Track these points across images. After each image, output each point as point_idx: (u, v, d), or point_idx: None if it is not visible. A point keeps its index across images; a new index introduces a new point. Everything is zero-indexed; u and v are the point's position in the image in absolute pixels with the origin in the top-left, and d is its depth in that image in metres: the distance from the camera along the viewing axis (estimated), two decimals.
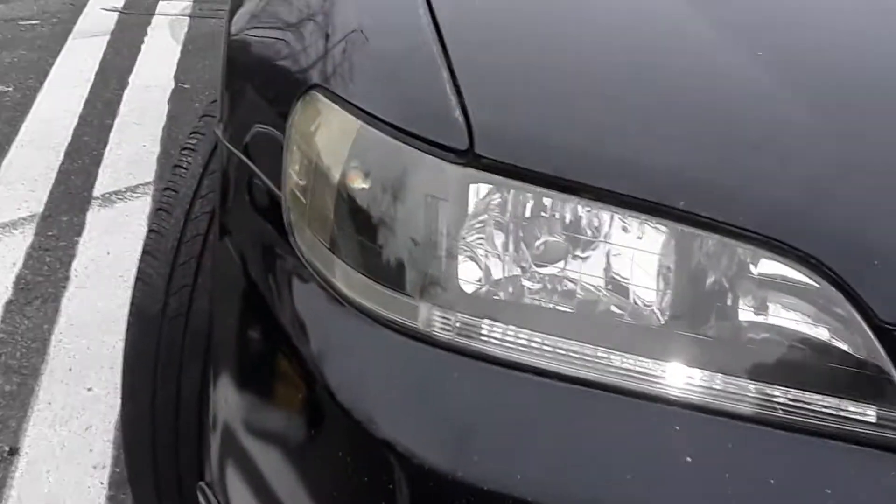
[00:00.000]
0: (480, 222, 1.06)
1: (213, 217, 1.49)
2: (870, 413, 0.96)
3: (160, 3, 5.75)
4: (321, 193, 1.15)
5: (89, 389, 2.36)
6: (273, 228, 1.24)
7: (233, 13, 1.52)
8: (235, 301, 1.33)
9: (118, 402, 2.14)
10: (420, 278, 1.07)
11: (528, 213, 1.05)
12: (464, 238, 1.06)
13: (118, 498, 2.02)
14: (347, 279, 1.12)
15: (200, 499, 1.42)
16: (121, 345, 1.52)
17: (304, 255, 1.17)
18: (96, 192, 3.36)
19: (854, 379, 0.97)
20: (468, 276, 1.06)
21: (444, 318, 1.05)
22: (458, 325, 1.05)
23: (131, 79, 4.49)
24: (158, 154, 3.63)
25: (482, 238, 1.06)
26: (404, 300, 1.07)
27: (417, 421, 1.04)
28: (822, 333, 0.99)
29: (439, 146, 1.06)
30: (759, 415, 0.98)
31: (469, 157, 1.05)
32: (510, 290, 1.06)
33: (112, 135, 3.85)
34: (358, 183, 1.12)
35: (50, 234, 3.06)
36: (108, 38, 5.06)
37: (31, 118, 3.95)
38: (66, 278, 2.82)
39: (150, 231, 1.56)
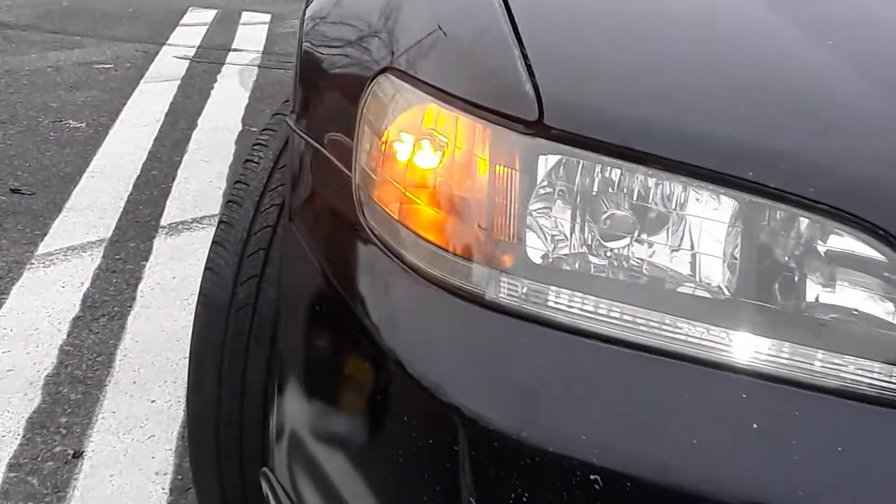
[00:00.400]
0: (549, 193, 1.07)
1: (282, 209, 1.52)
2: None
3: (230, 53, 5.88)
4: (391, 169, 1.18)
5: (153, 401, 2.39)
6: (342, 208, 1.26)
7: (306, 7, 1.57)
8: (302, 282, 1.35)
9: (181, 414, 2.18)
10: (488, 247, 1.08)
11: (595, 185, 1.06)
12: (532, 208, 1.07)
13: (179, 503, 2.04)
14: (416, 249, 1.13)
15: (263, 484, 1.44)
16: (184, 362, 1.55)
17: (373, 231, 1.19)
18: (163, 222, 3.42)
19: None
20: (536, 245, 1.07)
21: (511, 285, 1.07)
22: (524, 292, 1.06)
23: (200, 120, 4.58)
24: (225, 189, 3.69)
25: (550, 209, 1.07)
26: (472, 268, 1.09)
27: (484, 385, 1.05)
28: (888, 306, 0.99)
29: (510, 118, 1.08)
30: (826, 384, 0.97)
31: (539, 129, 1.06)
32: (577, 261, 1.07)
33: (180, 170, 3.93)
34: (427, 155, 1.14)
35: (118, 257, 3.12)
36: (178, 83, 5.19)
37: (101, 152, 4.04)
38: (133, 298, 2.87)
39: (220, 222, 1.59)
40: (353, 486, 1.22)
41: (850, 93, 1.09)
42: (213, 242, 1.59)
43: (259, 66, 5.66)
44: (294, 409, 1.36)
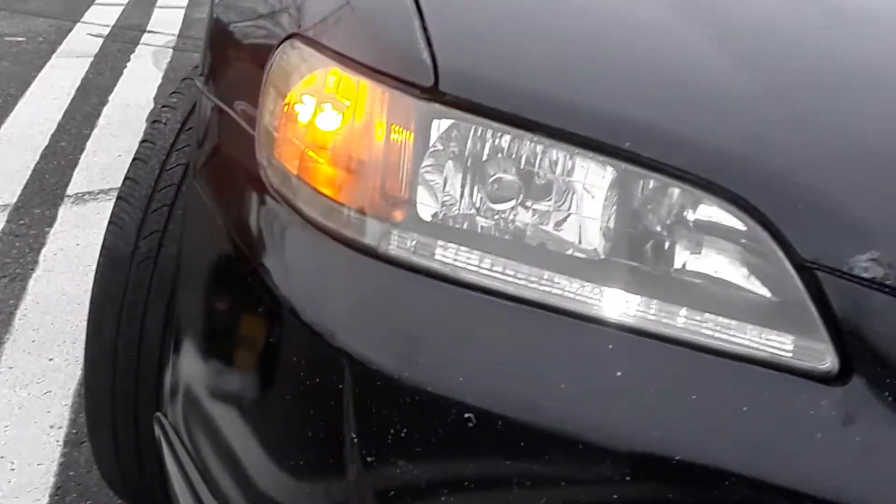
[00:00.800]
0: (441, 155, 1.14)
1: (187, 168, 1.56)
2: (788, 342, 1.04)
3: (145, 34, 5.86)
4: (292, 128, 1.23)
5: (51, 359, 2.41)
6: (245, 166, 1.32)
7: None
8: (203, 237, 1.40)
9: (79, 372, 2.21)
10: (381, 203, 1.15)
11: (486, 150, 1.13)
12: (424, 169, 1.14)
13: (72, 455, 2.07)
14: (314, 204, 1.19)
15: (156, 429, 1.48)
16: (85, 325, 1.59)
17: (273, 186, 1.25)
18: (70, 191, 3.43)
19: (776, 311, 1.05)
20: (427, 203, 1.14)
21: (400, 238, 1.13)
22: (413, 244, 1.13)
23: (111, 97, 4.57)
24: None
25: (441, 170, 1.14)
26: (366, 221, 1.15)
27: (371, 330, 1.11)
28: (749, 269, 1.07)
29: (406, 82, 1.14)
30: (688, 339, 1.05)
31: (434, 94, 1.13)
32: (465, 220, 1.13)
33: (89, 143, 3.92)
34: (327, 117, 1.20)
35: (21, 222, 3.12)
36: (91, 59, 5.16)
37: (10, 122, 4.02)
38: (35, 262, 2.88)
39: (126, 178, 1.63)
40: (244, 430, 1.27)
41: (724, 77, 1.18)
42: (118, 198, 1.63)
43: (174, 49, 5.65)
44: (189, 358, 1.40)
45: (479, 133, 1.13)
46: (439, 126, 1.14)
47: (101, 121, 4.20)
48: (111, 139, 3.99)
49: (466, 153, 1.13)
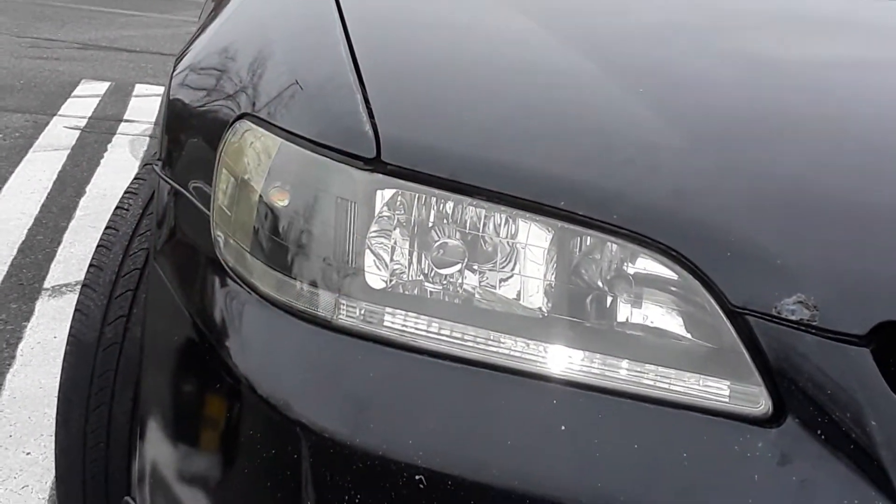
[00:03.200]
0: (387, 224, 1.18)
1: (149, 253, 1.59)
2: (724, 387, 1.07)
3: (122, 124, 5.93)
4: (245, 206, 1.27)
5: (28, 453, 2.42)
6: (201, 246, 1.35)
7: (176, 64, 1.67)
8: (163, 318, 1.43)
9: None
10: (330, 273, 1.18)
11: (430, 216, 1.17)
12: (370, 238, 1.18)
13: None
14: (265, 278, 1.23)
15: None
16: None
17: (228, 264, 1.28)
18: (47, 284, 3.45)
19: (712, 358, 1.09)
20: (375, 272, 1.18)
21: (350, 307, 1.16)
22: (362, 313, 1.16)
23: (88, 188, 4.61)
24: None
25: (387, 239, 1.18)
26: (317, 293, 1.18)
27: (324, 399, 1.14)
28: (684, 318, 1.11)
29: (350, 155, 1.18)
30: (630, 390, 1.08)
31: (376, 165, 1.17)
32: (412, 285, 1.17)
33: (66, 235, 3.96)
34: (277, 192, 1.24)
35: None
36: (68, 152, 5.21)
37: None
38: (13, 357, 2.90)
39: (91, 266, 1.66)
40: None
41: (651, 133, 1.22)
42: (83, 285, 1.66)
43: (150, 136, 5.71)
44: (155, 440, 1.42)
45: (422, 200, 1.17)
46: (383, 195, 1.18)
47: (79, 212, 4.25)
48: (89, 230, 4.02)
49: (412, 221, 1.17)
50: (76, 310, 1.64)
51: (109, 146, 5.41)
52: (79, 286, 3.38)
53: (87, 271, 1.66)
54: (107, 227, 1.71)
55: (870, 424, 1.00)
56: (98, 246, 1.68)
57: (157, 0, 11.50)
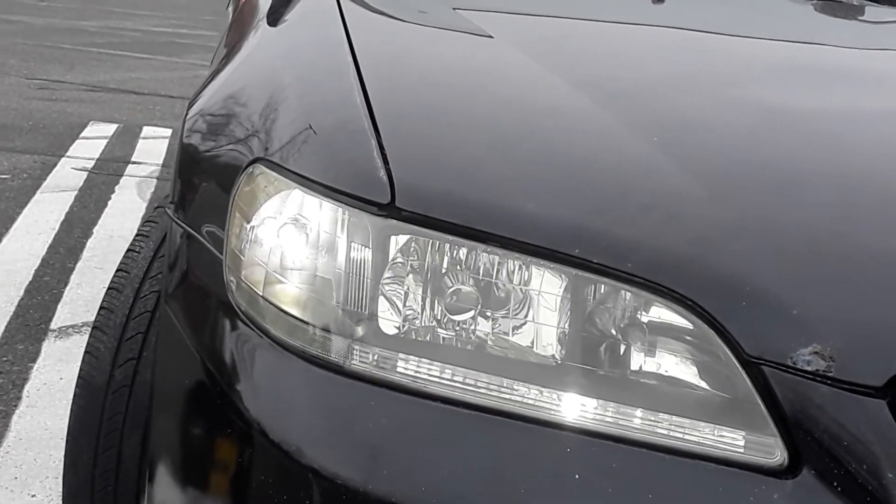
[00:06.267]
0: (400, 269, 1.18)
1: (160, 296, 1.60)
2: (739, 438, 1.07)
3: (130, 165, 5.95)
4: (258, 251, 1.27)
5: (33, 496, 2.41)
6: (213, 289, 1.35)
7: (189, 108, 1.67)
8: (174, 361, 1.43)
9: None
10: (344, 319, 1.18)
11: (444, 262, 1.17)
12: (384, 284, 1.18)
13: None
14: (279, 322, 1.23)
15: None
16: None
17: (240, 308, 1.28)
18: (53, 325, 3.45)
19: (727, 408, 1.08)
20: (388, 317, 1.18)
21: (363, 353, 1.16)
22: (375, 359, 1.16)
23: (95, 229, 4.62)
24: None
25: (400, 284, 1.18)
26: (330, 339, 1.18)
27: (336, 445, 1.14)
28: (698, 367, 1.10)
29: (364, 200, 1.19)
30: (644, 439, 1.08)
31: (391, 211, 1.17)
32: (425, 331, 1.17)
33: (73, 276, 3.96)
34: (292, 239, 1.25)
35: (5, 359, 3.14)
36: (75, 193, 5.23)
37: None
38: (18, 398, 2.89)
39: (101, 308, 1.67)
40: None
41: (666, 181, 1.23)
42: (93, 327, 1.66)
43: (158, 179, 5.73)
44: (164, 485, 1.42)
45: (436, 246, 1.17)
46: (397, 241, 1.18)
47: (86, 254, 4.25)
48: (96, 271, 4.03)
49: (425, 266, 1.17)
50: (86, 352, 1.64)
51: (117, 188, 5.42)
52: (86, 327, 3.39)
53: (98, 313, 1.66)
54: (118, 270, 1.72)
55: (886, 477, 0.99)
56: (109, 288, 1.69)
57: (165, 43, 11.57)
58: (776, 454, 1.04)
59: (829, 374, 1.02)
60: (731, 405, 1.08)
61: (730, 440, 1.07)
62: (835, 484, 1.00)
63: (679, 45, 1.95)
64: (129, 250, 1.75)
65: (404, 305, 1.18)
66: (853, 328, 1.05)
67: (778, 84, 1.69)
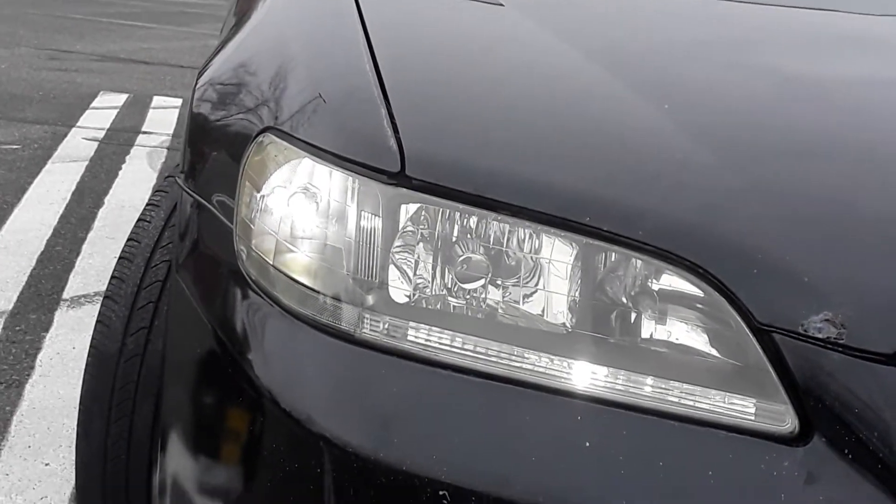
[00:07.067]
0: (411, 238, 1.18)
1: (171, 265, 1.60)
2: (749, 405, 1.07)
3: (140, 135, 5.95)
4: (269, 220, 1.27)
5: (47, 464, 2.42)
6: (224, 258, 1.35)
7: (198, 77, 1.67)
8: (186, 330, 1.43)
9: (73, 475, 2.22)
10: (354, 288, 1.18)
11: (454, 231, 1.17)
12: (394, 252, 1.18)
13: None
14: (290, 291, 1.23)
15: None
16: None
17: (251, 276, 1.28)
18: (66, 295, 3.46)
19: (737, 375, 1.08)
20: (398, 286, 1.17)
21: (374, 322, 1.16)
22: (386, 328, 1.16)
23: (106, 199, 4.63)
24: None
25: (411, 253, 1.18)
26: (340, 307, 1.18)
27: (347, 413, 1.14)
28: (709, 335, 1.10)
29: (374, 169, 1.18)
30: (654, 407, 1.08)
31: (401, 179, 1.17)
32: (436, 300, 1.17)
33: (84, 246, 3.97)
34: (303, 207, 1.24)
35: (18, 328, 3.15)
36: (86, 163, 5.23)
37: (6, 229, 4.07)
38: (31, 368, 2.90)
39: (113, 278, 1.67)
40: None
41: (678, 149, 1.22)
42: (105, 297, 1.66)
43: (168, 149, 5.73)
44: (176, 453, 1.42)
45: (446, 215, 1.16)
46: (407, 210, 1.18)
47: (97, 223, 4.26)
48: (107, 241, 4.04)
49: (436, 235, 1.17)
50: (98, 321, 1.65)
51: (128, 158, 5.42)
52: (97, 297, 3.40)
53: (109, 283, 1.67)
54: (129, 239, 1.72)
55: None
56: (120, 258, 1.69)
57: (175, 13, 11.55)
58: (787, 422, 1.04)
59: (841, 342, 1.01)
60: (742, 373, 1.08)
61: (740, 408, 1.07)
62: (846, 451, 1.00)
63: (692, 11, 1.94)
64: (139, 220, 1.75)
65: (415, 274, 1.17)
66: (865, 296, 1.05)
67: (792, 51, 1.68)
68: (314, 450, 1.14)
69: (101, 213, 4.43)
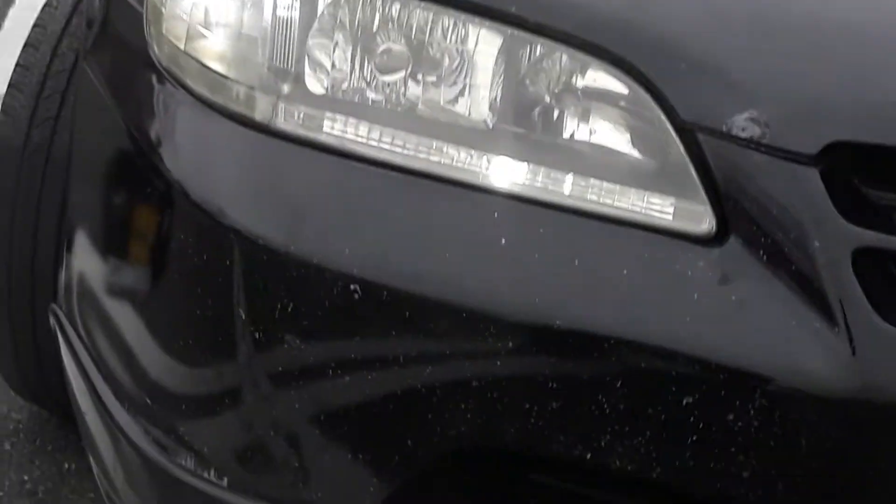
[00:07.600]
0: (328, 25, 1.12)
1: (78, 53, 1.53)
2: (668, 205, 1.05)
3: None
4: (180, 2, 1.21)
5: None
6: (132, 43, 1.29)
7: None
8: (94, 120, 1.38)
9: None
10: (269, 76, 1.13)
11: (374, 19, 1.11)
12: (311, 40, 1.13)
13: None
14: (201, 78, 1.18)
15: (52, 320, 1.47)
16: None
17: (161, 63, 1.23)
18: None
19: (658, 175, 1.06)
20: (314, 75, 1.13)
21: (288, 111, 1.12)
22: (301, 118, 1.12)
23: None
24: None
25: (329, 41, 1.13)
26: (254, 95, 1.14)
27: (258, 205, 1.11)
28: (632, 134, 1.08)
29: None
30: (573, 205, 1.06)
31: None
32: (354, 91, 1.13)
33: None
34: None
35: None
36: None
37: None
38: None
39: (17, 65, 1.60)
40: (136, 317, 1.27)
41: None
42: (9, 86, 1.60)
43: None
44: (82, 247, 1.39)
45: (367, 1, 1.11)
46: None
47: (7, 24, 4.08)
48: (19, 41, 3.88)
49: (356, 23, 1.12)
50: (1, 111, 1.58)
51: None
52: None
53: (14, 71, 1.60)
54: (34, 26, 1.64)
55: (812, 245, 0.99)
56: (25, 45, 1.61)
57: None
58: (704, 222, 1.02)
59: (764, 141, 1.00)
60: (663, 172, 1.06)
61: (659, 207, 1.05)
62: (761, 252, 1.00)
63: None
64: (46, 5, 1.66)
65: (333, 65, 1.13)
66: (791, 95, 1.02)
67: None
68: (224, 242, 1.11)
69: (12, 12, 4.25)
